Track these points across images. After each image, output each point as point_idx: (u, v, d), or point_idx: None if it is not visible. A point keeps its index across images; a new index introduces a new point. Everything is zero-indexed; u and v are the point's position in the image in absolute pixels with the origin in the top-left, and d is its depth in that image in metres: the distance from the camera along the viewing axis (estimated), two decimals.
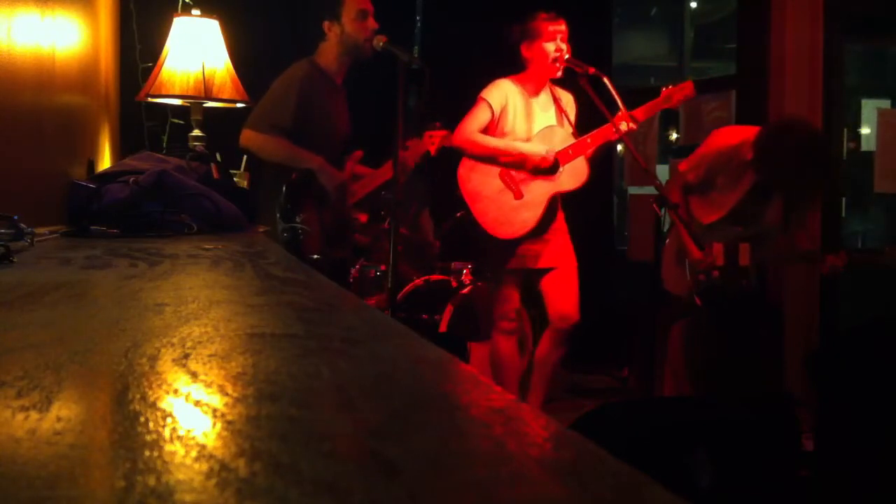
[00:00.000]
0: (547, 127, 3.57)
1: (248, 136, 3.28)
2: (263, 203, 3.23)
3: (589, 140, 3.52)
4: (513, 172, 3.55)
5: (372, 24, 3.32)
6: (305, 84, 3.30)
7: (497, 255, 3.59)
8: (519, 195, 3.54)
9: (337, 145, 3.44)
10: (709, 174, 3.59)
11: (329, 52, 3.39)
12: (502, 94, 3.56)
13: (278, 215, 3.19)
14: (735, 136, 3.58)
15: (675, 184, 3.73)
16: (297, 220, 3.20)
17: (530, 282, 3.68)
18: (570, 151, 3.52)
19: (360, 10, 3.32)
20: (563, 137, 3.57)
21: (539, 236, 3.57)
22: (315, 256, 3.22)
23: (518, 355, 3.79)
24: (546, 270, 3.61)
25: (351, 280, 4.31)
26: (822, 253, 3.51)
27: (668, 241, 3.65)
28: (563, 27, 3.50)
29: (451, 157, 3.69)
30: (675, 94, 3.52)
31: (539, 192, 3.55)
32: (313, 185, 3.27)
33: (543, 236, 3.58)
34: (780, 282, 4.30)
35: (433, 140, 3.78)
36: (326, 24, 3.36)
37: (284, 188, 3.22)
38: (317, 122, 3.33)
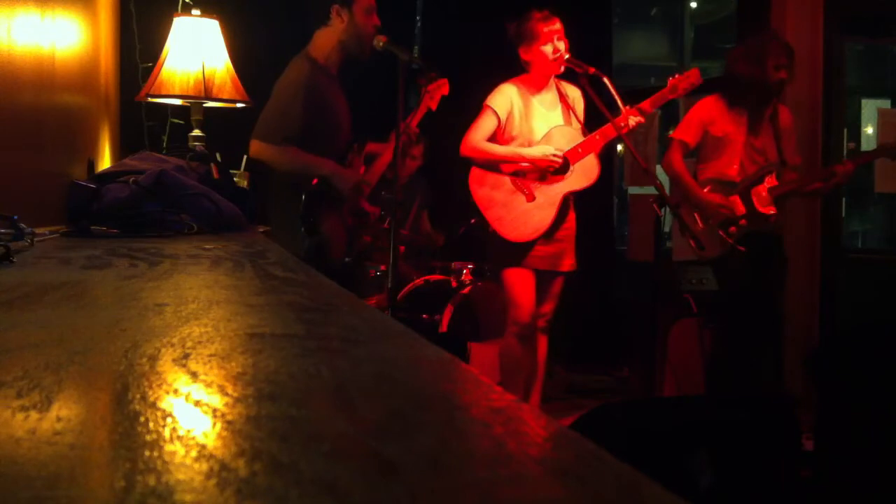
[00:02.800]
0: (554, 127, 3.56)
1: (258, 148, 3.24)
2: (276, 212, 3.22)
3: (598, 137, 3.51)
4: (525, 170, 3.55)
5: (375, 20, 3.32)
6: (308, 86, 3.27)
7: (511, 258, 3.58)
8: (531, 197, 3.54)
9: (343, 138, 3.44)
10: (702, 127, 3.87)
11: (329, 40, 3.35)
12: (506, 99, 3.56)
13: (302, 229, 3.17)
14: (714, 96, 3.94)
15: (675, 152, 3.85)
16: (321, 230, 3.19)
17: (544, 283, 3.67)
18: (580, 150, 3.52)
19: (370, 5, 3.32)
20: (570, 136, 3.56)
21: (551, 237, 3.57)
22: (347, 259, 3.21)
23: (529, 357, 3.78)
24: (555, 275, 3.63)
25: (373, 274, 4.33)
26: (829, 168, 3.88)
27: (683, 217, 3.70)
28: (557, 26, 3.49)
29: (453, 160, 3.68)
30: (682, 82, 3.53)
31: (551, 192, 3.54)
32: (330, 190, 3.26)
33: (555, 236, 3.58)
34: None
35: (431, 94, 3.66)
36: (336, 8, 3.32)
37: (304, 198, 3.20)
38: (323, 120, 3.32)
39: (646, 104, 3.49)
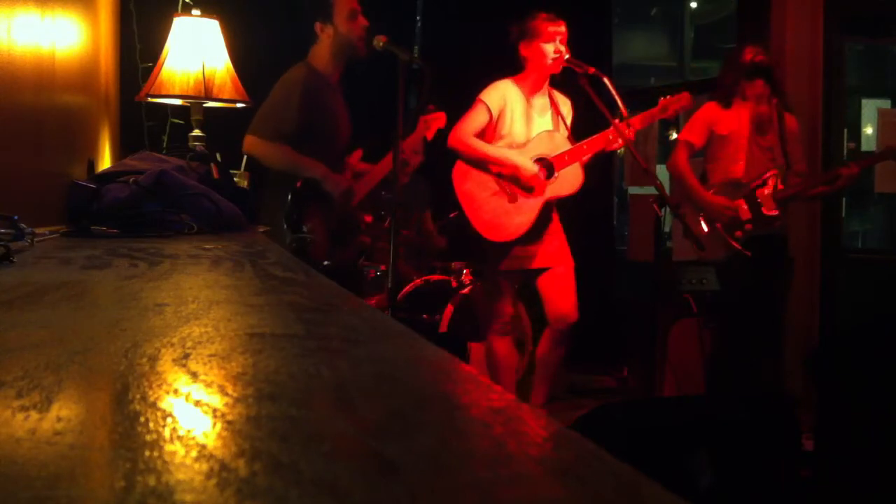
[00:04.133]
0: (545, 131, 3.57)
1: (251, 143, 3.27)
2: (267, 208, 3.23)
3: (585, 146, 3.52)
4: (507, 175, 3.55)
5: (362, 21, 3.32)
6: (306, 87, 3.29)
7: (491, 257, 3.59)
8: (513, 199, 3.53)
9: (340, 145, 3.45)
10: (708, 127, 3.90)
11: (322, 54, 3.38)
12: (500, 95, 3.55)
13: (285, 226, 3.19)
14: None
15: (680, 153, 3.87)
16: (304, 229, 3.20)
17: (528, 282, 3.67)
18: (567, 157, 3.52)
19: (352, 10, 3.33)
20: (557, 142, 3.56)
21: (533, 240, 3.57)
22: (325, 262, 3.23)
23: (515, 355, 3.78)
24: (542, 270, 3.60)
25: (373, 274, 4.33)
26: (834, 171, 3.88)
27: (686, 218, 3.71)
28: (562, 28, 3.49)
29: (448, 156, 3.67)
30: (672, 104, 3.60)
31: (533, 196, 3.54)
32: (319, 191, 3.27)
33: (535, 239, 3.58)
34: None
35: (428, 125, 3.74)
36: (318, 25, 3.35)
37: (290, 196, 3.21)
38: (319, 124, 3.33)
39: (636, 120, 3.53)
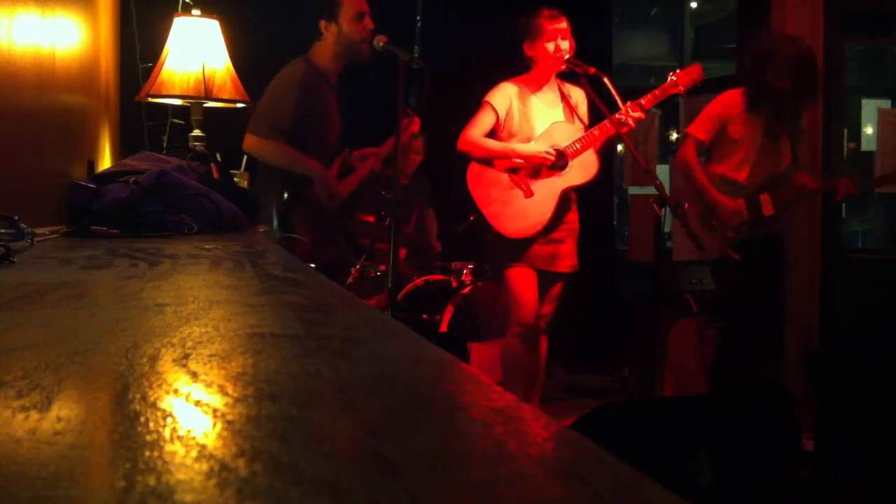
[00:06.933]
0: (553, 123, 3.57)
1: (250, 142, 3.28)
2: (262, 205, 3.23)
3: (597, 133, 3.51)
4: (519, 168, 3.56)
5: (368, 24, 3.32)
6: (303, 83, 3.30)
7: (510, 256, 3.58)
8: (529, 193, 3.54)
9: (329, 146, 3.45)
10: (720, 125, 3.81)
11: (325, 52, 3.38)
12: (506, 96, 3.56)
13: (276, 223, 3.19)
14: (738, 92, 3.84)
15: (689, 148, 3.83)
16: (291, 227, 3.21)
17: (547, 284, 3.67)
18: (579, 145, 3.52)
19: (358, 12, 3.32)
20: (570, 132, 3.56)
21: (550, 235, 3.57)
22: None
23: (532, 358, 3.77)
24: (561, 276, 3.62)
25: (350, 280, 4.30)
26: (830, 184, 3.86)
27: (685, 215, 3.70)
28: (564, 24, 3.50)
29: (453, 159, 3.67)
30: (683, 78, 3.54)
31: (549, 188, 3.54)
32: (306, 191, 3.27)
33: (554, 235, 3.57)
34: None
35: (403, 129, 3.72)
36: (323, 23, 3.35)
37: (286, 196, 3.22)
38: (313, 121, 3.33)
39: (646, 99, 3.50)
